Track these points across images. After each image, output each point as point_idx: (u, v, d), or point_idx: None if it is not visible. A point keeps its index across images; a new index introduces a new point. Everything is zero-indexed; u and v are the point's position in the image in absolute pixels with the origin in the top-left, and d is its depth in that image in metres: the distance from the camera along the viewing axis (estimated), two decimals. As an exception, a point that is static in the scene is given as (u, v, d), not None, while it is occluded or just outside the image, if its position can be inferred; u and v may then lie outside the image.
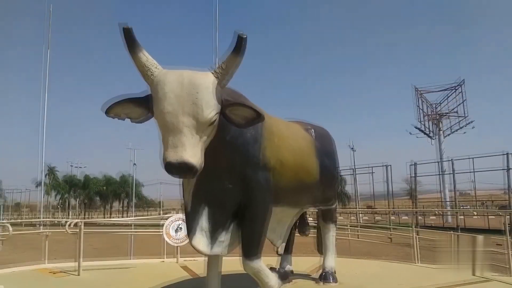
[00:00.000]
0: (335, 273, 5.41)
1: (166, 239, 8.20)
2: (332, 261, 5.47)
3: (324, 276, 5.32)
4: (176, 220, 8.39)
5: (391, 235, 16.41)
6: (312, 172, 4.62)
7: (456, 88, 49.88)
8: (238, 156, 3.57)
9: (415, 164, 32.95)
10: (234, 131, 3.40)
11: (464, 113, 48.82)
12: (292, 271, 5.56)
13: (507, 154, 30.02)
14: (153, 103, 2.92)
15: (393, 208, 41.32)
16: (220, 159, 3.47)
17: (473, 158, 35.38)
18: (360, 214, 37.92)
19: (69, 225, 7.48)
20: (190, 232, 3.54)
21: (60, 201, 64.42)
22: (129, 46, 2.87)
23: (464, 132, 49.17)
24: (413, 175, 34.00)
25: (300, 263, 6.59)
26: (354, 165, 46.82)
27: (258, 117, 3.12)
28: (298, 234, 5.71)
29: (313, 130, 5.00)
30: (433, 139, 50.56)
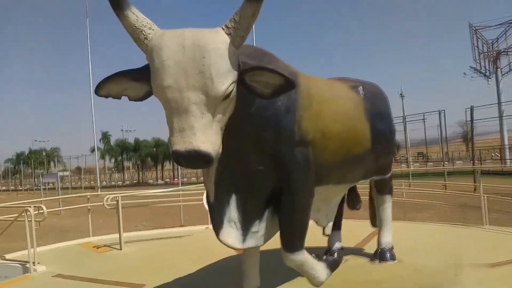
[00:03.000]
0: (392, 249, 4.75)
1: (207, 207, 7.80)
2: (389, 236, 4.79)
3: (381, 254, 4.67)
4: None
5: (445, 183, 15.28)
6: (362, 140, 3.84)
7: (516, 21, 45.20)
8: (267, 132, 2.89)
9: (472, 108, 30.52)
10: (260, 101, 2.69)
11: (525, 48, 44.48)
12: (342, 248, 4.94)
13: None
14: (151, 75, 2.28)
15: (447, 152, 39.15)
16: (245, 137, 2.82)
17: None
18: (411, 161, 36.14)
19: (107, 200, 7.20)
20: (217, 225, 2.96)
21: (115, 163, 67.69)
22: (112, 2, 2.20)
23: (526, 69, 45.08)
24: (470, 120, 31.54)
25: (350, 228, 5.86)
26: (403, 112, 44.50)
27: (287, 84, 2.38)
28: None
29: (361, 87, 4.16)
30: (490, 78, 46.92)
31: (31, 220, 6.18)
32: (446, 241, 5.94)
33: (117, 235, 7.47)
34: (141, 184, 59.17)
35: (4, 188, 56.27)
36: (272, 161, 2.96)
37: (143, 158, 65.12)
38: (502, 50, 46.77)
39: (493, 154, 44.56)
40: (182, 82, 2.18)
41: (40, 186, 33.21)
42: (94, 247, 7.47)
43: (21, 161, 64.76)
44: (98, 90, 2.43)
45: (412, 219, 11.43)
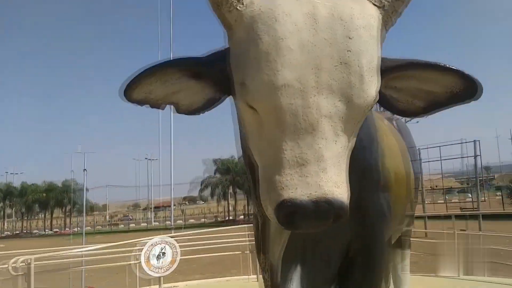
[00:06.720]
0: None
1: (147, 270, 6.37)
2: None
3: None
4: (156, 244, 6.60)
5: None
6: (410, 184, 3.09)
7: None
8: (353, 170, 1.94)
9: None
10: None
11: None
12: None
13: None
14: (240, 66, 1.25)
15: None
16: None
17: None
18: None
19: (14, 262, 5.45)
20: None
21: (-6, 210, 60.57)
22: None
23: None
24: None
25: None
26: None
27: (472, 89, 1.38)
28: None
29: (394, 121, 3.46)
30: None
31: None
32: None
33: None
34: (24, 234, 52.89)
35: None
36: (353, 211, 2.00)
37: (30, 205, 58.71)
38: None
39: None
40: (311, 79, 1.17)
41: None
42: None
43: None
44: (130, 91, 1.33)
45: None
